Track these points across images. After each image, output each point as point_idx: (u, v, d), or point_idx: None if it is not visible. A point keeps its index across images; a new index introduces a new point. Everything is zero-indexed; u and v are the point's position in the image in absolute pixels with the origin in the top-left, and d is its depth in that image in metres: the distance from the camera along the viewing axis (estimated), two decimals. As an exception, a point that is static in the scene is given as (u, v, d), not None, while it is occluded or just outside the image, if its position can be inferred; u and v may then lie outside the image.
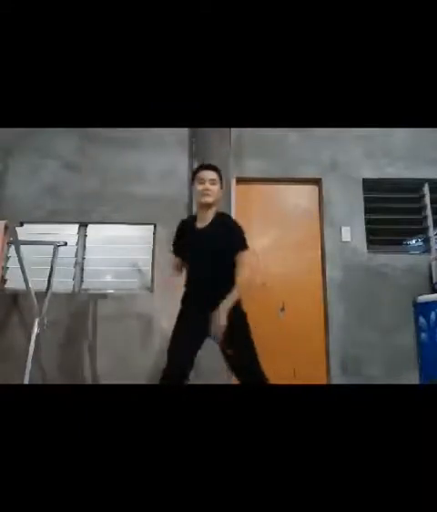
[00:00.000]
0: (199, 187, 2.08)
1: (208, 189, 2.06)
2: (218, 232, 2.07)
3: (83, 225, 3.39)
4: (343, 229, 3.36)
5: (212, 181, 2.08)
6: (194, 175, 2.16)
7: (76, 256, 3.33)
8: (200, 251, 2.06)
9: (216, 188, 2.09)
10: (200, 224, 2.11)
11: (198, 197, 2.09)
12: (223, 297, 1.94)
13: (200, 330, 1.96)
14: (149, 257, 3.32)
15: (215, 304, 1.92)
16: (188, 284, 2.13)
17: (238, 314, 1.99)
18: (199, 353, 1.99)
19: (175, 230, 2.23)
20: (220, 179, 2.13)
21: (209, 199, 2.07)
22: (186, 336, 1.97)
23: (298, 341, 3.21)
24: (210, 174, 2.09)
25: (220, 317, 1.89)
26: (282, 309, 3.28)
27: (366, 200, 3.45)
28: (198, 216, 2.13)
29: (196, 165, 3.34)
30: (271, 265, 3.35)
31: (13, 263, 3.06)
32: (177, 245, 2.23)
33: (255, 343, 1.99)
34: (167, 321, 3.07)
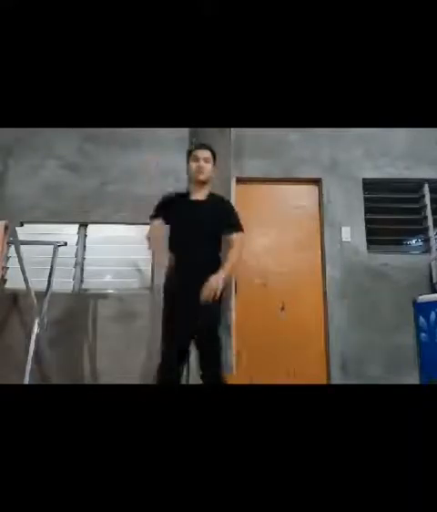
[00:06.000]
0: (193, 164, 2.17)
1: (201, 167, 2.16)
2: (214, 207, 2.17)
3: (83, 225, 3.39)
4: (343, 229, 3.36)
5: (206, 159, 2.18)
6: (188, 153, 2.24)
7: (76, 256, 3.32)
8: (195, 221, 2.08)
9: (209, 166, 2.19)
10: (195, 197, 2.18)
11: (193, 174, 2.18)
12: (211, 271, 1.98)
13: (190, 318, 1.98)
14: (149, 257, 3.31)
15: (204, 275, 1.96)
16: (178, 254, 2.06)
17: (218, 308, 2.06)
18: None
19: (160, 198, 2.25)
20: (214, 157, 2.23)
21: (202, 177, 2.16)
22: (177, 328, 2.00)
23: (298, 341, 3.21)
24: (204, 153, 2.19)
25: (219, 279, 1.92)
26: (282, 308, 3.28)
27: (366, 200, 3.44)
28: (192, 192, 2.20)
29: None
30: (271, 265, 3.35)
31: (13, 263, 3.05)
32: (162, 210, 2.22)
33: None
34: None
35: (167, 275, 2.10)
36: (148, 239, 2.25)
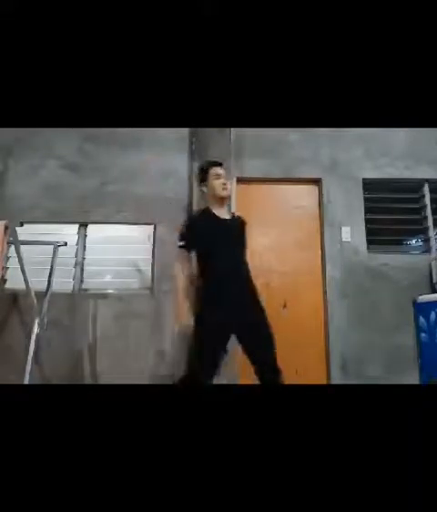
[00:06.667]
0: (217, 182, 2.14)
1: (226, 184, 2.15)
2: (240, 226, 2.21)
3: (83, 225, 3.39)
4: (343, 229, 3.36)
5: (226, 177, 2.19)
6: (205, 171, 2.20)
7: (76, 256, 3.33)
8: (229, 241, 2.06)
9: (229, 183, 2.20)
10: (222, 216, 2.15)
11: (218, 191, 2.14)
12: (248, 289, 2.03)
13: (225, 338, 1.98)
14: (149, 257, 3.32)
15: (242, 295, 1.99)
16: (214, 275, 2.00)
17: (261, 310, 2.05)
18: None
19: (184, 223, 2.16)
20: None
21: (227, 193, 2.17)
22: (212, 345, 1.95)
23: (298, 340, 3.21)
24: (223, 171, 2.20)
25: None
26: (284, 306, 3.27)
27: (366, 200, 3.45)
28: (215, 209, 2.16)
29: (196, 165, 3.35)
30: (271, 265, 3.35)
31: (13, 263, 3.05)
32: (192, 236, 2.07)
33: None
34: (167, 320, 3.09)
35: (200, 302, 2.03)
36: (173, 277, 2.07)
